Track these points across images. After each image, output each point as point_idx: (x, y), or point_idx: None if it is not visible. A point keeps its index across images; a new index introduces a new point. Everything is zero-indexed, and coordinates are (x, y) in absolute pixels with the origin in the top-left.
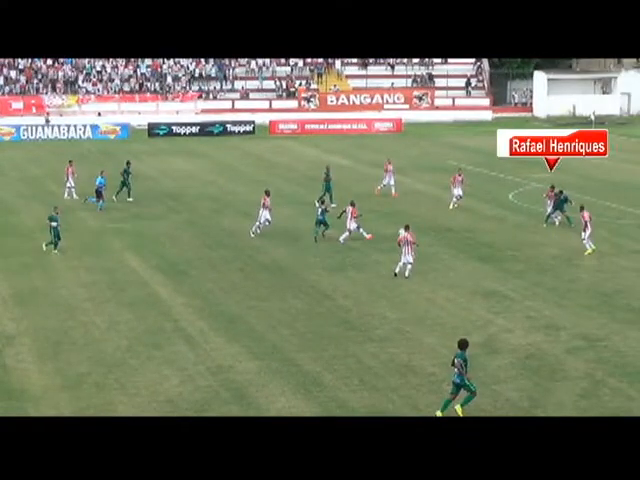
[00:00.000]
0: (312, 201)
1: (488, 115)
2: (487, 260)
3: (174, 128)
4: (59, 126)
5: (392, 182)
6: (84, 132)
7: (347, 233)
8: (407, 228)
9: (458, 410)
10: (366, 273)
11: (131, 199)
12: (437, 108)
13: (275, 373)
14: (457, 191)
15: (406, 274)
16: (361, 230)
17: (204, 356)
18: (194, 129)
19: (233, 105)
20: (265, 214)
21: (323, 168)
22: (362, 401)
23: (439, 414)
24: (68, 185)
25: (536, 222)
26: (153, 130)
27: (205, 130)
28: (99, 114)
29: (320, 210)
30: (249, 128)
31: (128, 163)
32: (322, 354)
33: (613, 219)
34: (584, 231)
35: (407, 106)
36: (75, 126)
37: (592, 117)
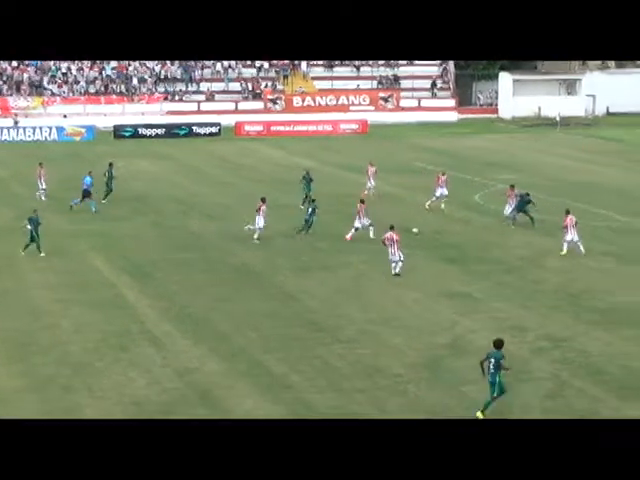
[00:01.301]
0: (278, 203)
1: (453, 116)
2: (453, 261)
3: (140, 130)
4: (24, 128)
5: (373, 184)
6: (50, 134)
7: (353, 230)
8: (392, 228)
9: (479, 415)
10: (333, 274)
11: (104, 201)
12: (403, 109)
13: (242, 375)
14: (443, 191)
15: (397, 270)
16: (371, 227)
17: (170, 358)
18: (160, 131)
19: (199, 107)
20: (259, 221)
21: (291, 169)
22: (329, 402)
23: (479, 415)
24: (40, 187)
25: (502, 223)
26: (119, 132)
27: (171, 132)
28: (65, 116)
29: (310, 209)
30: (215, 130)
31: (110, 165)
32: (289, 355)
33: (578, 220)
34: (565, 234)
35: (373, 107)
36: (40, 128)
37: (557, 118)
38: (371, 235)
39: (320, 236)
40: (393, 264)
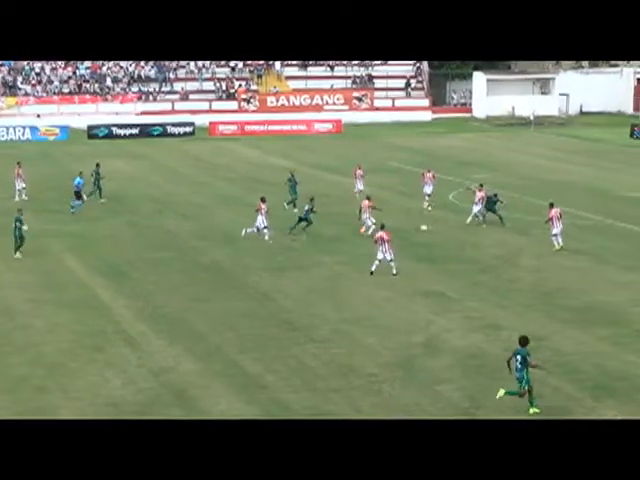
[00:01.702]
0: (253, 202)
1: (427, 116)
2: (428, 260)
3: (114, 130)
4: None
5: (361, 187)
6: (23, 134)
7: (370, 226)
8: (383, 227)
9: (500, 394)
10: (307, 274)
11: (87, 198)
12: (377, 109)
13: (217, 375)
14: (429, 188)
15: (393, 272)
16: (370, 222)
17: (146, 358)
18: (134, 131)
19: (173, 106)
20: (260, 220)
21: (266, 169)
22: (304, 402)
23: (533, 411)
24: (18, 187)
25: (476, 222)
26: (92, 132)
27: (145, 132)
28: (38, 116)
29: (307, 207)
30: (189, 129)
31: (97, 165)
32: (263, 355)
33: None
34: (552, 227)
35: (347, 107)
36: (14, 128)
37: (531, 117)
38: (369, 232)
39: (295, 236)
40: (377, 263)
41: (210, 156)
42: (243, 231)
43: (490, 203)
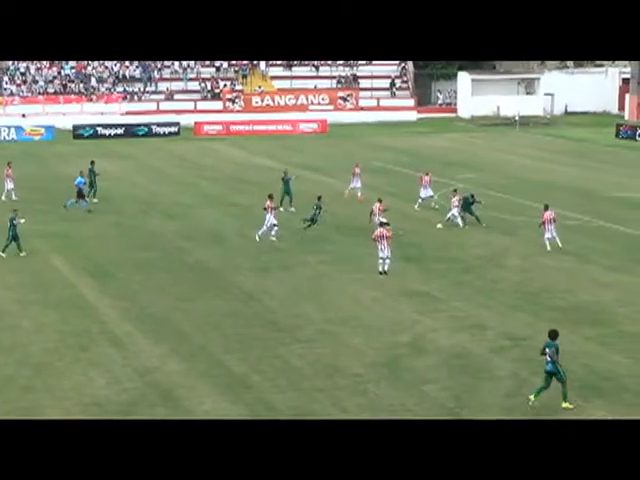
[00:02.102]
0: (238, 202)
1: (413, 116)
2: (413, 260)
3: (99, 129)
4: None
5: (359, 185)
6: (8, 134)
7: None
8: (382, 224)
9: (566, 405)
10: (292, 274)
11: (96, 200)
12: (362, 109)
13: (202, 375)
14: (427, 192)
15: (385, 268)
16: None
17: (131, 358)
18: (119, 130)
19: (158, 106)
20: (270, 218)
21: (251, 169)
22: (289, 402)
23: (532, 398)
24: (7, 188)
25: (451, 224)
26: (78, 131)
27: (130, 131)
28: (23, 115)
29: (316, 206)
30: (174, 129)
31: (92, 163)
32: (249, 355)
33: (537, 219)
34: (545, 231)
35: (332, 107)
36: None
37: (516, 117)
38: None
39: (280, 236)
40: (380, 261)
41: (195, 156)
42: (256, 236)
43: (466, 204)
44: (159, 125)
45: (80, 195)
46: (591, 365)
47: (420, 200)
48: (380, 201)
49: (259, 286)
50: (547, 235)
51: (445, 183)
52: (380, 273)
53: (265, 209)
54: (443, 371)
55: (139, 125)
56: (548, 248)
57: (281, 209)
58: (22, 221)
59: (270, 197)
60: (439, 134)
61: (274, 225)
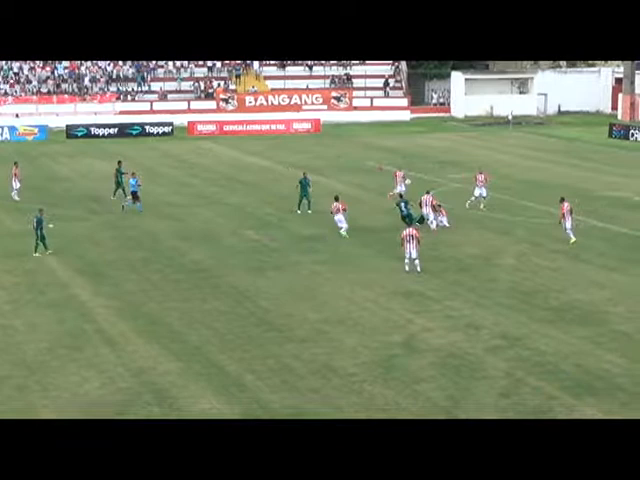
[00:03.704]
0: (232, 202)
1: (406, 115)
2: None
3: (92, 129)
4: None
5: (403, 189)
6: (1, 134)
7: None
8: (409, 224)
9: None
10: (286, 274)
11: (114, 197)
12: (355, 109)
13: (196, 374)
14: (482, 191)
15: (417, 269)
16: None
17: (125, 358)
18: (112, 130)
19: (151, 106)
20: (338, 219)
21: (244, 169)
22: (283, 402)
23: None
24: (15, 187)
25: (455, 222)
26: (71, 131)
27: (123, 131)
28: (17, 115)
29: (403, 204)
30: (167, 129)
31: (119, 163)
32: (243, 355)
33: (530, 218)
34: (565, 222)
35: (325, 107)
36: None
37: (510, 117)
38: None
39: (274, 235)
40: (407, 261)
41: (189, 156)
42: (343, 233)
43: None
44: (153, 125)
45: (135, 197)
46: (584, 364)
47: (473, 198)
48: (428, 192)
49: (253, 286)
50: (568, 226)
51: (439, 183)
52: (407, 271)
53: (333, 212)
54: (437, 370)
55: (133, 125)
56: (573, 239)
57: (298, 212)
58: (50, 226)
59: (336, 198)
60: (432, 134)
61: (339, 221)
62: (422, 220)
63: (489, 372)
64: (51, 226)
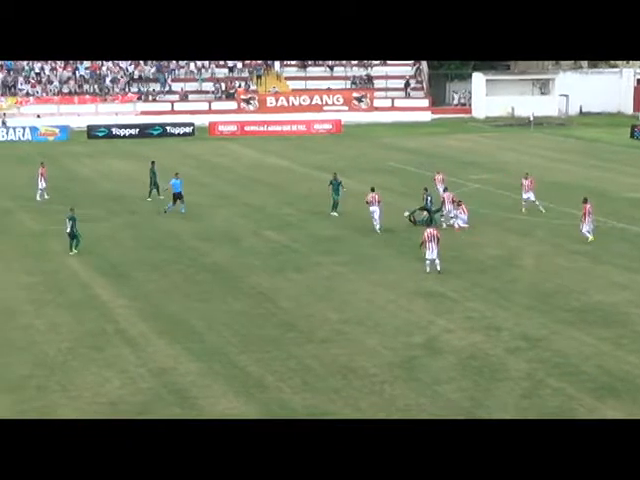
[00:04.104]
0: (253, 203)
1: (427, 116)
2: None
3: (113, 130)
4: None
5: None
6: (23, 134)
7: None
8: (430, 224)
9: None
10: (306, 274)
11: (162, 196)
12: (376, 109)
13: (217, 375)
14: (529, 195)
15: (438, 269)
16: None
17: (145, 358)
18: (133, 131)
19: (172, 107)
20: (375, 210)
21: (265, 169)
22: (304, 402)
23: None
24: (40, 187)
25: (476, 223)
26: (92, 132)
27: (144, 132)
28: (38, 116)
29: (428, 198)
30: (188, 130)
31: (153, 163)
32: (263, 355)
33: (551, 219)
34: (583, 223)
35: (346, 107)
36: (14, 128)
37: (531, 118)
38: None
39: (295, 236)
40: (428, 262)
41: (210, 156)
42: (377, 228)
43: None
44: (174, 125)
45: (179, 198)
46: (606, 366)
47: (524, 202)
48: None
49: (274, 286)
50: (585, 227)
51: (460, 184)
52: (427, 273)
53: (367, 202)
54: (458, 372)
55: (154, 125)
56: (590, 237)
57: (334, 214)
58: (68, 225)
59: (372, 190)
60: (453, 135)
61: (377, 219)
62: (431, 221)
63: (510, 373)
64: (68, 225)
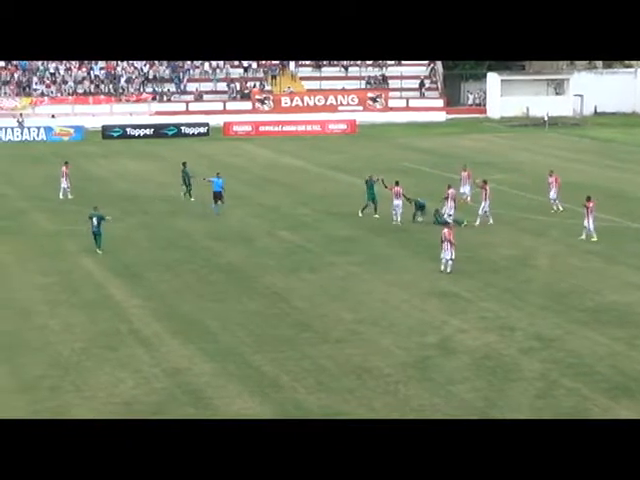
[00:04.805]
0: (267, 203)
1: (442, 116)
2: (441, 261)
3: (128, 130)
4: (12, 128)
5: (466, 191)
6: (38, 134)
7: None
8: (446, 223)
9: None
10: (321, 274)
11: (192, 199)
12: (391, 109)
13: (231, 375)
14: (552, 194)
15: (448, 270)
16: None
17: (159, 358)
18: (148, 131)
19: (187, 107)
20: (399, 204)
21: (280, 169)
22: (318, 402)
23: None
24: (63, 186)
25: (491, 222)
26: (107, 132)
27: (159, 132)
28: (53, 116)
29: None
30: (203, 130)
31: (184, 164)
32: (278, 355)
33: (566, 219)
34: (587, 220)
35: (361, 107)
36: (29, 128)
37: (545, 118)
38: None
39: (309, 236)
40: (443, 261)
41: (224, 156)
42: (399, 221)
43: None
44: (188, 125)
45: (219, 197)
46: (620, 366)
47: (552, 201)
48: (450, 187)
49: (288, 286)
50: (588, 224)
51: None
52: (441, 271)
53: (390, 189)
54: (472, 372)
55: (168, 125)
56: (583, 236)
57: (376, 216)
58: (109, 218)
59: (396, 183)
60: (468, 135)
61: (396, 207)
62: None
63: (524, 373)
64: (109, 218)
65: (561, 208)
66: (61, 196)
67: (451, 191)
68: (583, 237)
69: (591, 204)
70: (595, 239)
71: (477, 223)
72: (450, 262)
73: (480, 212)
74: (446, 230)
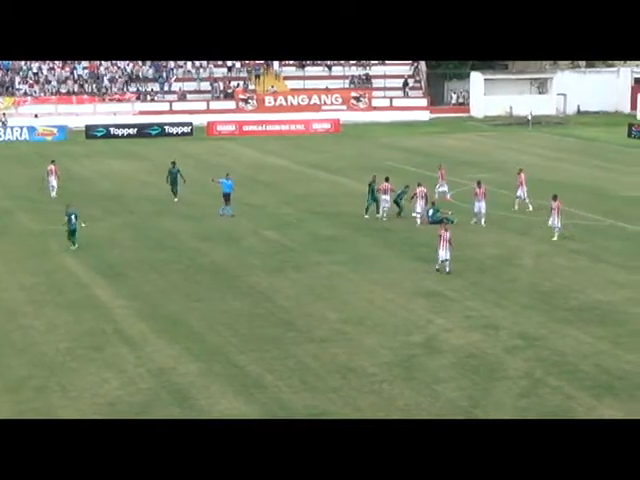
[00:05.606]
0: (252, 202)
1: (425, 115)
2: (426, 260)
3: (111, 130)
4: None
5: (445, 189)
6: (20, 134)
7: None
8: (441, 221)
9: None
10: (306, 274)
11: (176, 199)
12: (375, 109)
13: (216, 375)
14: (519, 192)
15: (447, 270)
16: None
17: (144, 358)
18: (132, 131)
19: (171, 106)
20: (386, 199)
21: (264, 169)
22: (303, 402)
23: None
24: (52, 184)
25: (475, 221)
26: (90, 132)
27: (143, 132)
28: (36, 116)
29: (401, 192)
30: (187, 129)
31: (173, 163)
32: (263, 355)
33: (549, 218)
34: (553, 218)
35: (345, 107)
36: (12, 128)
37: (529, 117)
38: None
39: (294, 236)
40: (440, 261)
41: (208, 156)
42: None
43: (399, 195)
44: (172, 125)
45: (227, 199)
46: (604, 365)
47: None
48: (420, 185)
49: (273, 286)
50: (554, 223)
51: (458, 182)
52: (437, 270)
53: (378, 190)
54: (457, 371)
55: (152, 125)
56: (555, 237)
57: (366, 216)
58: (83, 225)
59: (386, 179)
60: (452, 134)
61: (385, 205)
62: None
63: (508, 372)
64: (84, 225)
65: (530, 207)
66: (54, 194)
67: (420, 189)
68: (555, 238)
69: (557, 203)
70: (555, 239)
71: (483, 223)
72: (447, 262)
73: (476, 210)
74: (443, 230)
